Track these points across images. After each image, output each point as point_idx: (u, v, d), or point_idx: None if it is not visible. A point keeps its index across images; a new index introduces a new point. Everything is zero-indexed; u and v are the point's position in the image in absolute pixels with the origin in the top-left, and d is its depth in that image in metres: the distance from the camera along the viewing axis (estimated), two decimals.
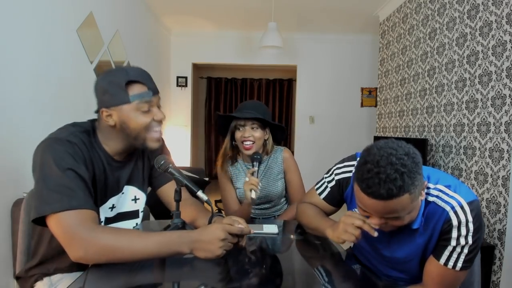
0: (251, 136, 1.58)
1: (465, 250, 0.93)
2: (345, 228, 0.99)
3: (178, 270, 0.98)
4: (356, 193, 0.90)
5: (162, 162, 1.08)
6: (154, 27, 4.41)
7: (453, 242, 0.93)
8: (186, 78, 5.22)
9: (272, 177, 1.71)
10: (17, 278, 1.16)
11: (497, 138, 2.11)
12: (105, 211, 1.10)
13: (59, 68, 2.27)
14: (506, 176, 2.02)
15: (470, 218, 0.92)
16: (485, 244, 2.11)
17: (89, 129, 1.07)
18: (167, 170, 1.08)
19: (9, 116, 1.83)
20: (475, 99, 2.32)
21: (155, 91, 1.07)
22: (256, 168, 1.50)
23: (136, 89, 1.03)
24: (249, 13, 4.24)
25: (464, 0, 2.47)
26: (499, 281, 2.05)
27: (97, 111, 1.08)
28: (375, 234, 0.95)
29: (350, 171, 1.17)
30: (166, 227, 1.08)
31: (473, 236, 0.92)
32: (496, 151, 2.12)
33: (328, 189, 1.23)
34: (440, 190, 0.97)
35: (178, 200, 1.08)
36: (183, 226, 1.09)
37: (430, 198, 0.97)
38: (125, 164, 1.14)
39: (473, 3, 2.36)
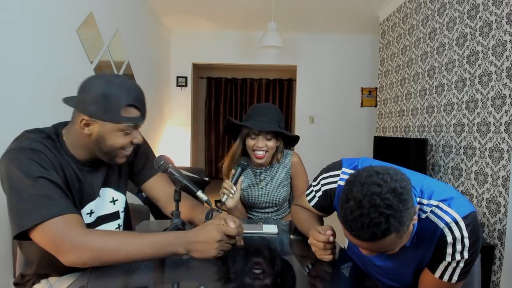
0: (264, 146, 1.54)
1: (461, 264, 0.90)
2: (318, 253, 1.04)
3: (178, 271, 0.98)
4: (342, 226, 0.85)
5: (162, 162, 1.08)
6: (154, 27, 4.41)
7: (448, 258, 0.90)
8: (186, 78, 5.22)
9: (278, 183, 1.67)
10: (15, 284, 1.15)
11: (497, 138, 2.11)
12: (84, 217, 1.05)
13: (59, 68, 2.27)
14: (506, 176, 2.02)
15: (465, 234, 0.88)
16: (485, 244, 2.11)
17: (52, 135, 1.00)
18: (166, 170, 1.07)
19: (9, 116, 1.83)
20: (475, 99, 2.32)
21: (144, 116, 1.03)
22: (235, 173, 1.43)
23: (130, 112, 0.98)
24: (249, 13, 4.24)
25: (464, 0, 2.47)
26: (499, 281, 2.05)
27: (74, 109, 1.01)
28: (331, 238, 1.03)
29: (336, 182, 1.13)
30: (166, 228, 1.08)
31: (469, 251, 0.88)
32: (496, 151, 2.12)
33: (316, 198, 1.21)
34: (434, 206, 0.92)
35: (178, 200, 1.08)
36: (183, 226, 1.09)
37: (423, 215, 0.93)
38: (97, 167, 1.09)
39: (473, 3, 2.36)
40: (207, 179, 3.71)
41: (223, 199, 1.40)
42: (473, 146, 2.34)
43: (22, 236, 0.88)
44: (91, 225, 1.08)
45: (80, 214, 0.98)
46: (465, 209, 0.90)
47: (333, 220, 1.24)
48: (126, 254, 0.88)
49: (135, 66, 3.59)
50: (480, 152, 2.26)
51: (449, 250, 0.89)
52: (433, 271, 0.93)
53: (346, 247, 1.26)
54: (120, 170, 1.18)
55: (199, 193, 1.07)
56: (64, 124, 1.07)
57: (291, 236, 1.35)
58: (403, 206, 0.77)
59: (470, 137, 2.37)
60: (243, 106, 7.04)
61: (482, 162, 2.24)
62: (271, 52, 4.60)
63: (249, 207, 1.73)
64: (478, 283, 1.24)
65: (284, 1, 3.74)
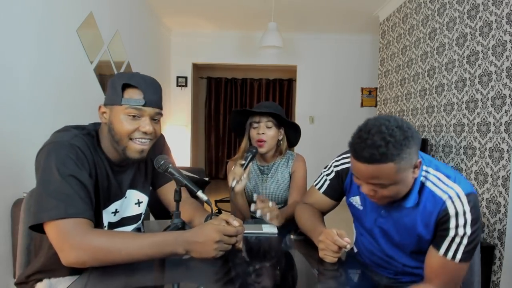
0: (264, 134, 1.59)
1: (464, 241, 0.94)
2: (326, 253, 1.04)
3: (177, 271, 0.98)
4: (350, 160, 0.98)
5: (162, 162, 1.07)
6: (154, 27, 4.41)
7: (452, 232, 0.94)
8: (186, 78, 5.22)
9: (281, 181, 1.69)
10: (17, 284, 1.15)
11: (497, 138, 2.11)
12: (108, 216, 1.08)
13: (59, 68, 2.27)
14: (506, 176, 2.02)
15: (467, 208, 0.93)
16: (485, 244, 2.11)
17: (92, 132, 1.06)
18: (167, 170, 1.07)
19: (9, 116, 1.83)
20: (475, 99, 2.32)
21: (151, 104, 1.03)
22: (247, 159, 1.47)
23: (130, 94, 1.01)
24: (249, 13, 4.24)
25: (464, 0, 2.47)
26: (499, 281, 2.05)
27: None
28: (348, 246, 1.02)
29: (348, 162, 1.19)
30: (166, 228, 1.08)
31: (471, 226, 0.93)
32: (496, 151, 2.12)
33: (327, 182, 1.27)
34: (439, 178, 0.99)
35: (178, 200, 1.08)
36: (183, 226, 1.09)
37: (428, 183, 1.00)
38: (127, 169, 1.13)
39: (473, 3, 2.36)
40: (207, 179, 3.70)
41: (233, 184, 1.42)
42: (473, 146, 2.34)
43: (36, 228, 0.91)
44: (115, 225, 1.11)
45: (98, 219, 1.01)
46: (468, 187, 0.96)
47: (334, 222, 1.24)
48: (126, 254, 0.89)
49: (135, 66, 3.59)
50: (480, 152, 2.26)
51: (452, 223, 0.94)
52: (438, 248, 0.96)
53: (354, 243, 1.29)
54: (146, 172, 1.21)
55: (199, 193, 1.07)
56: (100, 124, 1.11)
57: (291, 236, 1.35)
58: (405, 141, 0.88)
59: (470, 137, 2.37)
60: (243, 106, 7.04)
61: (482, 162, 2.24)
62: (271, 52, 4.60)
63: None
64: (478, 283, 1.24)
65: (284, 1, 3.74)
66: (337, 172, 1.24)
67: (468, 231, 0.93)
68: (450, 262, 0.95)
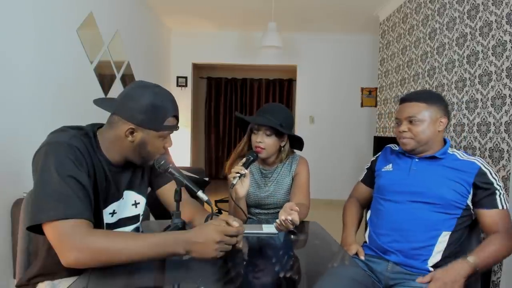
0: (262, 142, 1.56)
1: (503, 191, 1.24)
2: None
3: (178, 271, 0.98)
4: (396, 112, 1.43)
5: (162, 162, 1.07)
6: (154, 27, 4.41)
7: (497, 186, 1.24)
8: (186, 78, 5.22)
9: (283, 186, 1.68)
10: (18, 286, 1.14)
11: (497, 138, 2.11)
12: (106, 217, 1.08)
13: (59, 68, 2.28)
14: (506, 176, 2.02)
15: (491, 169, 1.27)
16: None
17: (90, 133, 1.05)
18: (167, 170, 1.07)
19: (9, 116, 1.83)
20: (475, 99, 2.32)
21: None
22: (246, 161, 1.46)
23: (170, 121, 1.07)
24: (249, 13, 4.24)
25: (464, 0, 2.47)
26: (499, 281, 2.05)
27: (114, 115, 1.04)
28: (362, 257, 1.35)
29: (378, 155, 1.61)
30: (166, 227, 1.08)
31: (500, 181, 1.26)
32: (496, 151, 2.12)
33: (365, 171, 1.63)
34: (463, 153, 1.36)
35: (178, 200, 1.08)
36: (183, 226, 1.09)
37: (451, 151, 1.36)
38: (124, 170, 1.13)
39: (473, 3, 2.36)
40: (207, 179, 3.70)
41: (234, 182, 1.39)
42: (473, 146, 2.34)
43: (34, 229, 0.91)
44: (113, 226, 1.11)
45: (98, 219, 1.01)
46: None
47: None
48: (126, 255, 0.89)
49: (135, 66, 3.59)
50: (480, 152, 2.26)
51: (492, 179, 1.25)
52: (495, 206, 1.23)
53: (367, 219, 1.55)
54: (142, 173, 1.21)
55: (200, 193, 1.07)
56: (100, 125, 1.10)
57: (291, 236, 1.35)
58: (439, 99, 1.35)
59: (470, 137, 2.37)
60: (243, 106, 7.04)
61: None
62: (271, 52, 4.61)
63: (253, 206, 1.72)
64: (478, 284, 1.24)
65: (284, 1, 3.75)
66: (372, 161, 1.61)
67: (502, 184, 1.25)
68: (504, 211, 1.21)
